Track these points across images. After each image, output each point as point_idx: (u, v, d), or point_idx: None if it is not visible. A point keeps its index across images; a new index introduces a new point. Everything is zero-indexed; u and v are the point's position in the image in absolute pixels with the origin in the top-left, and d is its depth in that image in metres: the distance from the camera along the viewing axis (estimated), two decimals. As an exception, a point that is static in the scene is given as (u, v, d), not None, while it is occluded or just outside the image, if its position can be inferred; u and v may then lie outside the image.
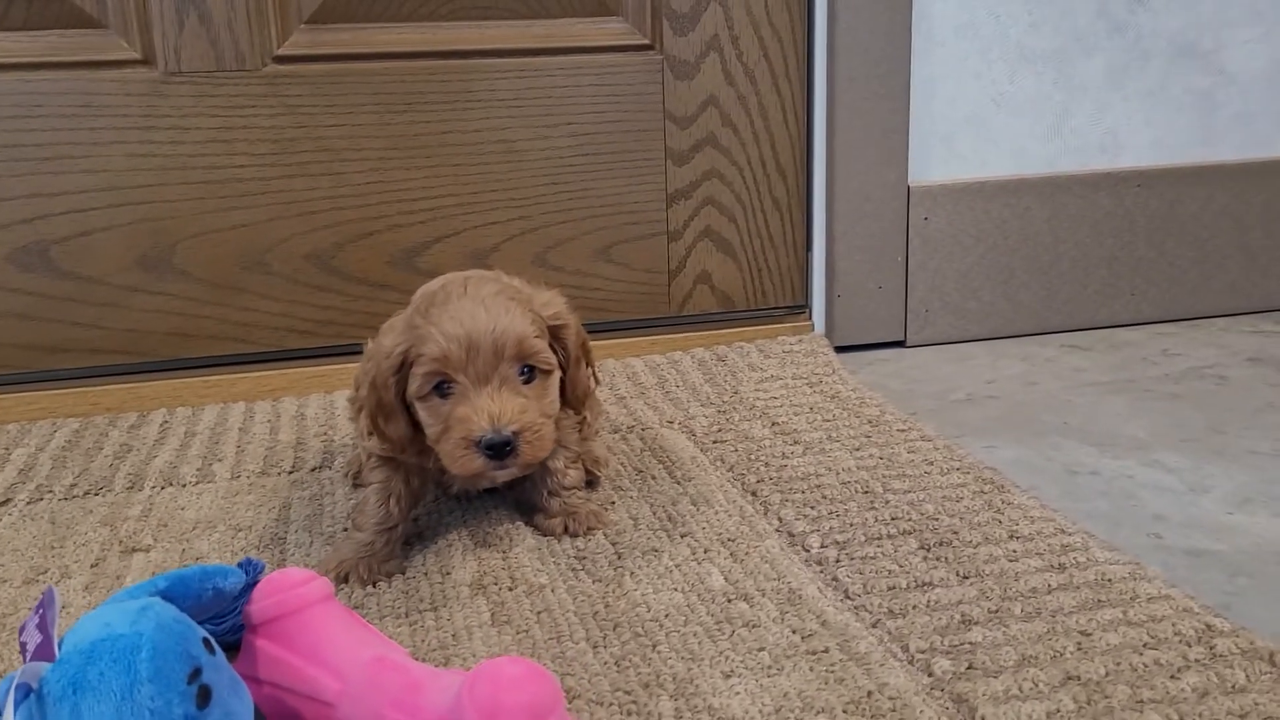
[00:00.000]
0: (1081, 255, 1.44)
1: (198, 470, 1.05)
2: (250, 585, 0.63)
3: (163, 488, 1.01)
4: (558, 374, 0.82)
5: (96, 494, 1.00)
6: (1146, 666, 0.66)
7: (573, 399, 0.85)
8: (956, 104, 1.38)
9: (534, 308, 0.81)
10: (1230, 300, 1.50)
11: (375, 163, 1.26)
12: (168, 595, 0.56)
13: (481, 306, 0.78)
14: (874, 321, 1.40)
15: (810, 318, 1.41)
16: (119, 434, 1.15)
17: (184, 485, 1.02)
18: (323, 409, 1.21)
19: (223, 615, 0.65)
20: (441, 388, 0.78)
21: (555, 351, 0.82)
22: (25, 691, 0.51)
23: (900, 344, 1.43)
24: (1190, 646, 0.68)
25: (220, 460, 1.07)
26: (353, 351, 1.28)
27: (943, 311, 1.42)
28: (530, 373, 0.80)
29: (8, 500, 0.99)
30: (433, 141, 1.27)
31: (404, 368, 0.79)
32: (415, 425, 0.81)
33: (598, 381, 0.92)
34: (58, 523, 0.94)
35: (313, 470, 1.04)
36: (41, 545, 0.90)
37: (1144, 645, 0.69)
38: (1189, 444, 1.06)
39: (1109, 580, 0.77)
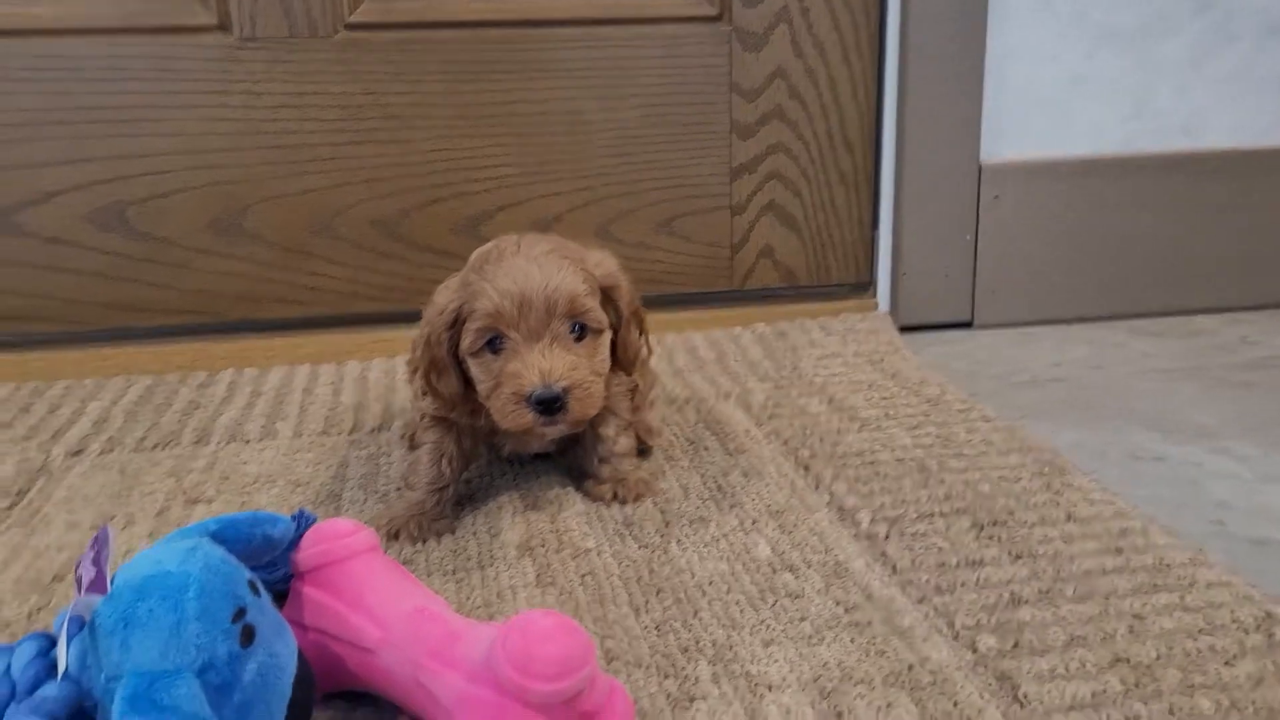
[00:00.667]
0: (1156, 239, 1.40)
1: (261, 428, 1.07)
2: (300, 535, 0.64)
3: (227, 443, 1.04)
4: (608, 333, 0.83)
5: (164, 447, 1.03)
6: (1200, 652, 0.65)
7: (623, 359, 0.85)
8: (1032, 82, 1.34)
9: (586, 266, 0.81)
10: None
11: (442, 131, 1.27)
12: (218, 537, 0.57)
13: (535, 264, 0.78)
14: (940, 301, 1.38)
15: (875, 296, 1.40)
16: (188, 391, 1.18)
17: (247, 442, 1.04)
18: (385, 373, 1.22)
19: (275, 564, 0.67)
20: (494, 343, 0.79)
21: (607, 311, 0.82)
22: (79, 624, 0.53)
23: (967, 325, 1.40)
24: (1248, 634, 0.66)
25: (284, 419, 1.09)
26: (417, 317, 1.30)
27: (1011, 292, 1.39)
28: (581, 331, 0.80)
29: (81, 451, 1.03)
30: (499, 111, 1.27)
31: (457, 324, 0.80)
32: (467, 383, 0.82)
33: (650, 350, 0.93)
34: (126, 473, 0.97)
35: (371, 431, 1.06)
36: (110, 494, 0.93)
37: (1199, 631, 0.67)
38: (1259, 432, 1.03)
39: (1167, 565, 0.75)
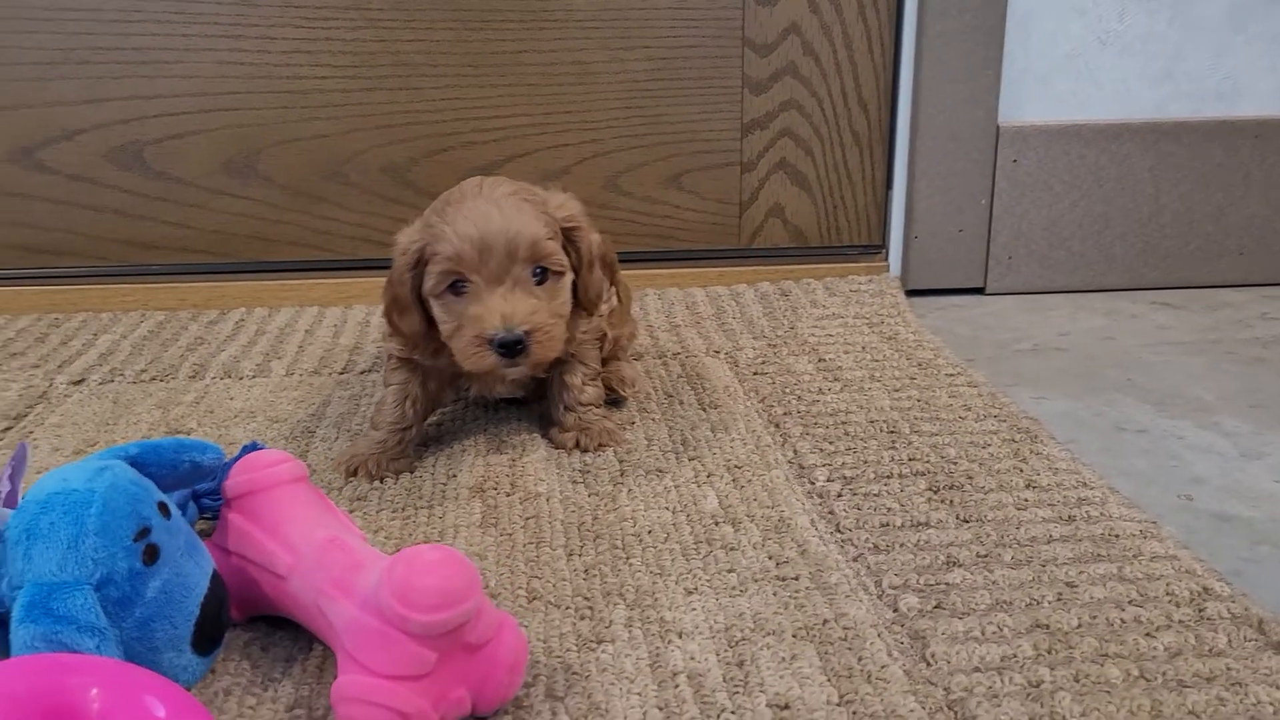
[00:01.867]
0: (1186, 209, 1.35)
1: (256, 365, 1.10)
2: (233, 463, 0.66)
3: (221, 379, 1.07)
4: (570, 276, 0.83)
5: (161, 380, 1.07)
6: (1124, 622, 0.63)
7: (584, 301, 0.86)
8: (1057, 41, 1.30)
9: (548, 209, 0.82)
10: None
11: (451, 79, 1.28)
12: (137, 461, 0.59)
13: (495, 207, 0.79)
14: (952, 266, 1.36)
15: (886, 258, 1.38)
16: (197, 328, 1.22)
17: (240, 378, 1.07)
18: (386, 317, 1.24)
19: (215, 492, 0.69)
20: (456, 286, 0.80)
21: (568, 254, 0.83)
22: (-5, 535, 0.55)
23: (979, 290, 1.38)
24: (1178, 607, 0.65)
25: (279, 358, 1.12)
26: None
27: (1027, 259, 1.36)
28: (543, 274, 0.80)
29: (82, 380, 1.07)
30: (508, 60, 1.28)
31: (420, 265, 0.81)
32: (430, 322, 0.83)
33: (625, 298, 0.93)
34: (119, 403, 1.01)
35: (361, 373, 1.08)
36: (98, 421, 0.96)
37: (1129, 602, 0.66)
38: (1255, 410, 1.00)
39: (1115, 536, 0.73)
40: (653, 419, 0.95)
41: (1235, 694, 0.57)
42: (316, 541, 0.60)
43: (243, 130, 1.27)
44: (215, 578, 0.59)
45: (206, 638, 0.58)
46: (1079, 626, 0.63)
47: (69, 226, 1.29)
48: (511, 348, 0.77)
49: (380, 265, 1.33)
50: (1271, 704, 0.56)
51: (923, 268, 1.36)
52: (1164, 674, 0.59)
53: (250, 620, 0.64)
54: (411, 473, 0.85)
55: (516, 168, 1.31)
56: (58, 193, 1.27)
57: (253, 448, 0.71)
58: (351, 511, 0.78)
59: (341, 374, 1.08)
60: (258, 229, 1.31)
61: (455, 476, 0.84)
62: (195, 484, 0.66)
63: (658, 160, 1.33)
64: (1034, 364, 1.14)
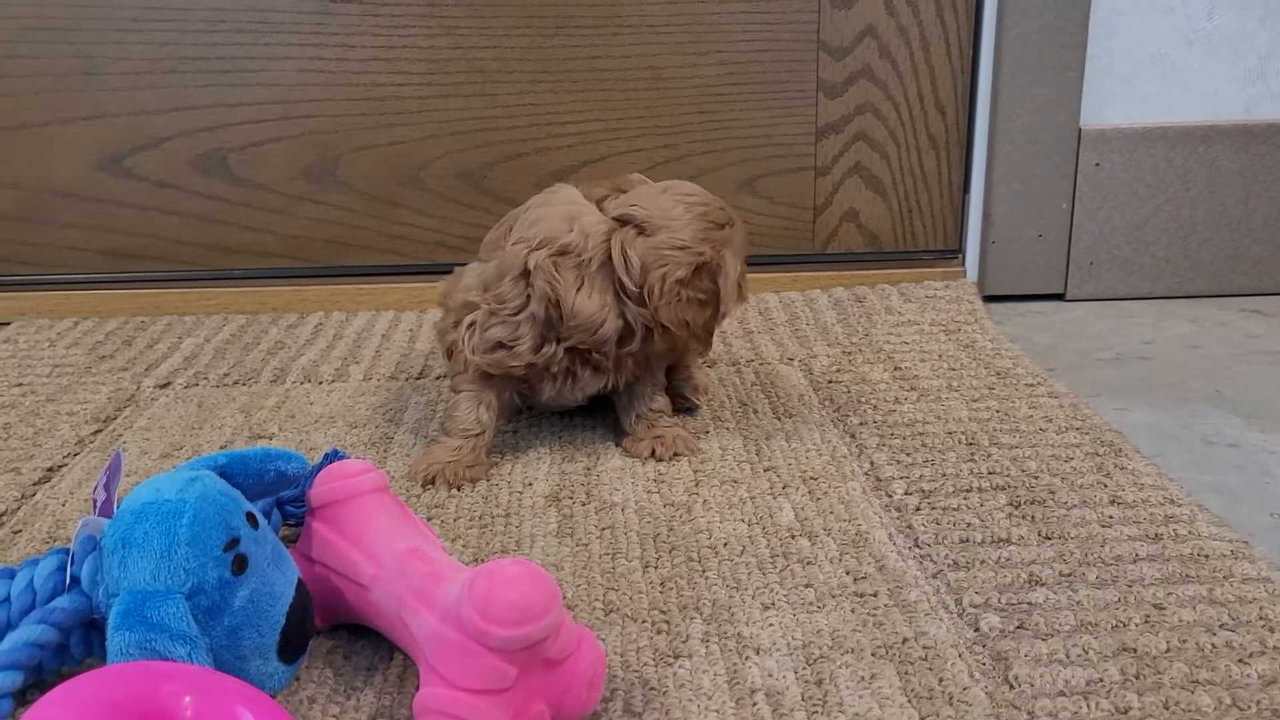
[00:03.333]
0: (1276, 212, 1.31)
1: (335, 370, 1.12)
2: (316, 472, 0.67)
3: (301, 383, 1.09)
4: None
5: (243, 384, 1.09)
6: (1215, 647, 0.62)
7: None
8: (1142, 41, 1.27)
9: None
10: None
11: (526, 85, 1.29)
12: (225, 471, 0.61)
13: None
14: (1031, 272, 1.33)
15: (962, 264, 1.36)
16: (277, 332, 1.24)
17: (320, 383, 1.09)
18: (461, 322, 1.25)
19: (299, 500, 0.70)
20: None
21: None
22: (92, 543, 0.57)
23: (1059, 297, 1.35)
24: (1273, 633, 0.63)
25: (357, 363, 1.14)
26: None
27: (1109, 265, 1.33)
28: None
29: (168, 384, 1.09)
30: (582, 66, 1.28)
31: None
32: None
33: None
34: (204, 406, 1.03)
35: (437, 378, 1.09)
36: (184, 425, 0.98)
37: (1220, 626, 0.64)
38: (1352, 423, 0.96)
39: (1205, 556, 0.72)
40: (726, 428, 0.95)
41: (1335, 726, 0.55)
42: (398, 551, 0.60)
43: (322, 137, 1.30)
44: (300, 586, 0.60)
45: (292, 646, 0.59)
46: (1168, 651, 0.62)
47: (155, 232, 1.32)
48: None
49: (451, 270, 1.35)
50: (1374, 738, 0.54)
51: (1001, 273, 1.33)
52: (1258, 702, 0.57)
53: (333, 628, 0.65)
54: (487, 480, 0.86)
55: (590, 173, 1.31)
56: (144, 199, 1.31)
57: (334, 455, 0.72)
58: (429, 520, 0.79)
59: (418, 379, 1.09)
60: (336, 234, 1.33)
61: (531, 485, 0.85)
62: (280, 492, 0.67)
63: (731, 165, 1.33)
64: (1117, 374, 1.11)
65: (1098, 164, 1.29)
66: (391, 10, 1.25)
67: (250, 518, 0.58)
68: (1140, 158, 1.29)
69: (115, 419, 1.01)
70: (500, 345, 0.84)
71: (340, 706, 0.59)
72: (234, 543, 0.56)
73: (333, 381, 1.09)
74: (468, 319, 0.86)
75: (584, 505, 0.81)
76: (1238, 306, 1.31)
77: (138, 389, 1.08)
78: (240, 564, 0.56)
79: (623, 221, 0.82)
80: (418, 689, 0.54)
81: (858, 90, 1.30)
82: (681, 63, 1.28)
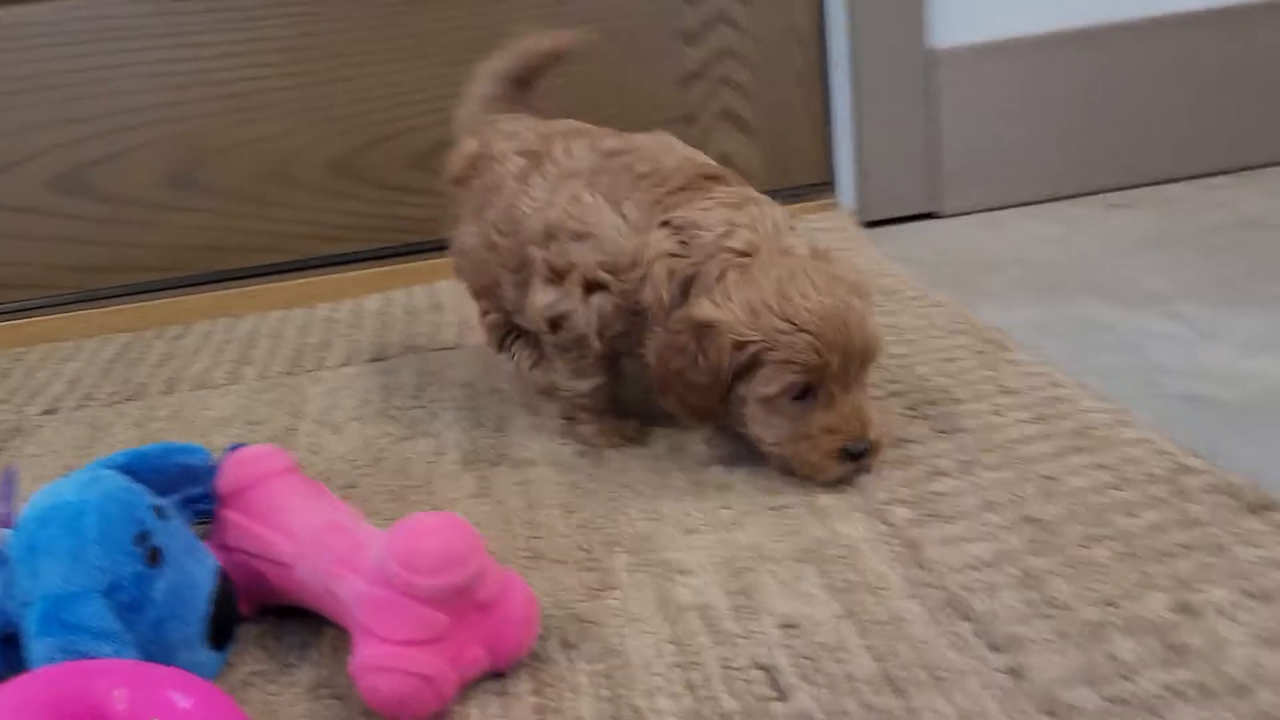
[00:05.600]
0: (1133, 109, 1.37)
1: (227, 373, 1.10)
2: (219, 465, 0.66)
3: (194, 390, 1.07)
4: None
5: (135, 399, 1.06)
6: (1106, 506, 0.66)
7: None
8: (981, -42, 1.31)
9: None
10: (1262, 151, 1.41)
11: (387, 65, 1.27)
12: (127, 469, 0.60)
13: (845, 304, 0.72)
14: (905, 194, 1.37)
15: (837, 194, 1.39)
16: (163, 345, 1.21)
17: (214, 388, 1.07)
18: (352, 312, 1.24)
19: (208, 495, 0.69)
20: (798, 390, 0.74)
21: None
22: (-2, 558, 0.55)
23: (934, 215, 1.39)
24: (1157, 485, 0.67)
25: (250, 364, 1.12)
26: (380, 257, 1.32)
27: (978, 179, 1.37)
28: None
29: (54, 409, 1.06)
30: (441, 40, 1.27)
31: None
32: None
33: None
34: (96, 426, 1.00)
35: (334, 367, 1.08)
36: (76, 447, 0.96)
37: (1109, 487, 0.68)
38: (1212, 294, 1.02)
39: (1090, 428, 0.76)
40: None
41: (1219, 557, 0.59)
42: (315, 526, 0.60)
43: (183, 141, 1.27)
44: (221, 574, 0.60)
45: (220, 633, 0.58)
46: (1065, 516, 0.65)
47: (22, 259, 1.27)
48: (863, 455, 0.72)
49: (338, 261, 1.34)
50: (1255, 562, 0.58)
51: (876, 199, 1.37)
52: (1150, 548, 0.61)
53: (260, 613, 0.65)
54: (400, 454, 0.86)
55: (462, 147, 1.31)
56: (5, 227, 1.26)
57: (233, 449, 0.71)
58: (345, 498, 0.79)
59: (314, 372, 1.08)
60: (210, 239, 1.30)
61: (443, 454, 0.85)
62: (185, 487, 0.66)
63: (606, 121, 1.32)
64: (995, 278, 1.15)
65: (954, 81, 1.33)
66: (240, 3, 1.23)
67: (157, 510, 0.57)
68: (994, 71, 1.34)
69: (3, 450, 0.97)
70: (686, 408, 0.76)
71: (277, 684, 0.58)
72: (144, 536, 0.55)
73: (227, 385, 1.07)
74: (596, 300, 0.77)
75: (497, 466, 0.82)
76: (1103, 202, 1.37)
77: (20, 417, 1.04)
78: (154, 556, 0.55)
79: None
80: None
81: (716, 35, 1.32)
82: (545, 26, 1.28)
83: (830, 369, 0.70)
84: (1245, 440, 0.75)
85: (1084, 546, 0.62)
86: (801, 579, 0.62)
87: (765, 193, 1.41)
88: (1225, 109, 1.38)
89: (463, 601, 0.54)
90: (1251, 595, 0.56)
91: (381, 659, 0.52)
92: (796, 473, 0.73)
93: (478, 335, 1.10)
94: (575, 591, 0.64)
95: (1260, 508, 0.63)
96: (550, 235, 0.79)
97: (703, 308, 0.71)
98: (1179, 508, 0.64)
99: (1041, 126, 1.37)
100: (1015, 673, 0.53)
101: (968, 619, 0.57)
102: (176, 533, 0.58)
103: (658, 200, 0.76)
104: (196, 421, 0.98)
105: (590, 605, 0.62)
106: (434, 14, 1.26)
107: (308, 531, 0.60)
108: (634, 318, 0.76)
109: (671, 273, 0.73)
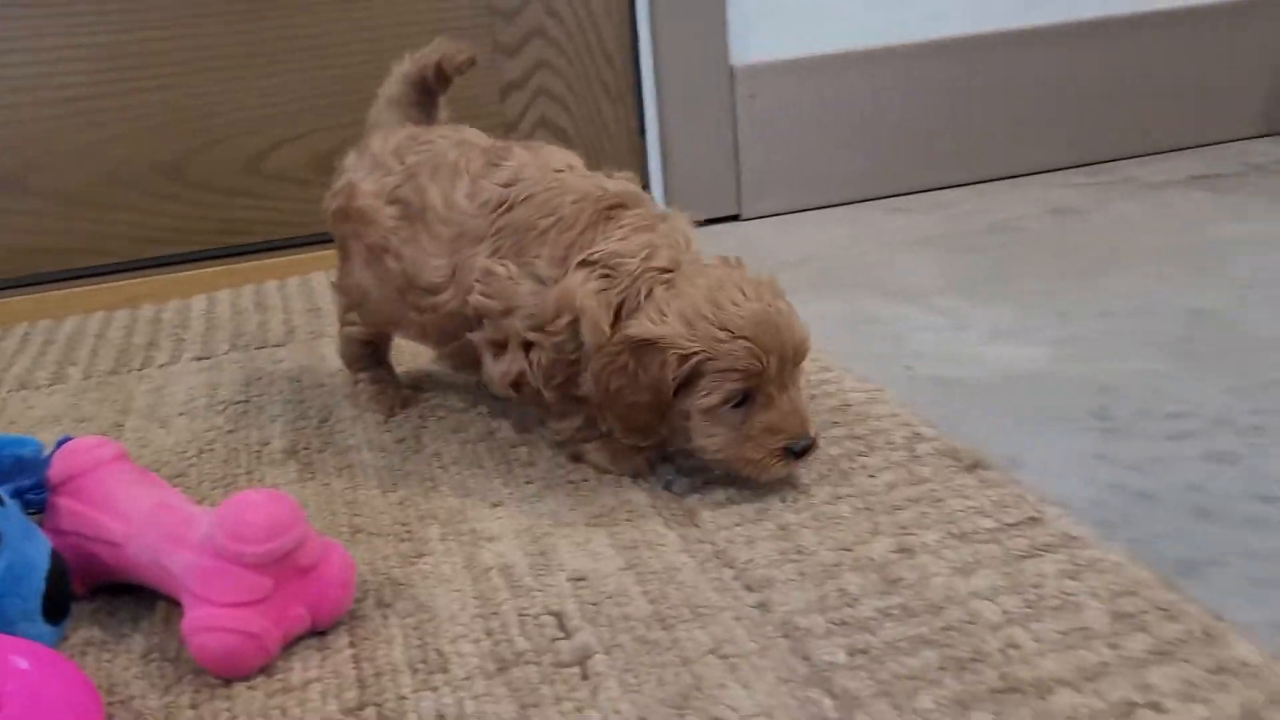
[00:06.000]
0: (910, 122, 1.52)
1: (51, 374, 1.12)
2: (50, 456, 0.70)
3: (17, 391, 1.08)
4: None
5: (-45, 402, 1.07)
6: (853, 470, 0.77)
7: None
8: (776, -18, 1.44)
9: None
10: (1052, 156, 1.59)
11: (214, 71, 1.31)
12: (-39, 460, 0.64)
13: (774, 308, 0.76)
14: (709, 198, 1.48)
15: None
16: (-18, 347, 1.21)
17: (38, 388, 1.09)
18: (178, 312, 1.27)
19: (40, 485, 0.74)
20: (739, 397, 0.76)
21: None
22: None
23: (736, 218, 1.51)
24: (896, 451, 0.79)
25: (74, 364, 1.14)
26: (208, 258, 1.35)
27: (774, 185, 1.50)
28: None
29: None
30: (271, 48, 1.32)
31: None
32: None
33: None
34: (-85, 428, 1.01)
35: (161, 366, 1.12)
36: (-103, 447, 0.97)
37: (857, 454, 0.79)
38: (968, 289, 1.16)
39: (849, 405, 0.87)
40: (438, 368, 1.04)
41: (936, 507, 0.71)
42: (146, 508, 0.66)
43: (12, 143, 1.27)
44: (55, 555, 0.65)
45: (56, 608, 0.63)
46: (818, 479, 0.76)
47: None
48: (805, 451, 0.74)
49: (165, 263, 1.36)
50: (962, 510, 0.70)
51: (683, 204, 1.47)
52: (883, 503, 0.72)
53: (93, 592, 0.70)
54: (225, 446, 0.91)
55: (291, 151, 1.35)
56: None
57: (63, 441, 0.75)
58: (174, 487, 0.84)
59: (141, 370, 1.11)
60: (34, 242, 1.31)
61: (268, 444, 0.91)
62: (17, 478, 0.70)
63: (425, 130, 1.40)
64: (788, 274, 1.26)
65: (753, 96, 1.46)
66: (70, 9, 1.24)
67: (-5, 497, 0.62)
68: (788, 87, 1.46)
69: None
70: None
71: (112, 651, 0.64)
72: (-17, 519, 0.60)
73: (51, 385, 1.09)
74: (534, 356, 0.78)
75: (321, 453, 0.88)
76: (882, 207, 1.52)
77: None
78: (-7, 537, 0.60)
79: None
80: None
81: (533, 48, 1.40)
82: (363, 37, 1.34)
83: (768, 372, 0.72)
84: (979, 413, 0.89)
85: (830, 503, 0.73)
86: (592, 540, 0.71)
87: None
88: (995, 122, 1.55)
89: (285, 566, 0.60)
90: (955, 536, 0.68)
91: (210, 619, 0.59)
92: (740, 474, 0.74)
93: (304, 333, 1.15)
94: (392, 560, 0.71)
95: (974, 466, 0.75)
96: (479, 317, 0.79)
97: (640, 326, 0.72)
98: (911, 469, 0.76)
99: (833, 137, 1.50)
100: (763, 606, 0.63)
101: (730, 566, 0.67)
102: (13, 517, 0.63)
103: (570, 244, 0.76)
104: (20, 421, 1.00)
105: (404, 570, 0.70)
106: (264, 23, 1.30)
107: (139, 512, 0.66)
108: (573, 360, 0.76)
109: (607, 305, 0.74)
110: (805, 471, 0.77)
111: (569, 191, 0.79)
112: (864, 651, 0.58)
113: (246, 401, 1.00)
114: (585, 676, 0.58)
